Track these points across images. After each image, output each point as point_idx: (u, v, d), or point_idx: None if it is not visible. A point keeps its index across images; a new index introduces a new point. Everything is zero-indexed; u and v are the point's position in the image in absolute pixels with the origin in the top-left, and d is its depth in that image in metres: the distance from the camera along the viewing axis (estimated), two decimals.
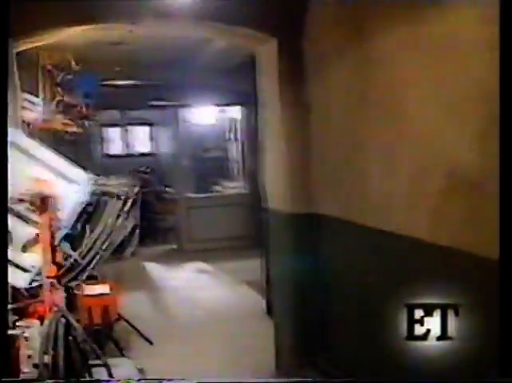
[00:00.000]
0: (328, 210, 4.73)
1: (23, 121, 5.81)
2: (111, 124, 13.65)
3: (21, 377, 2.22)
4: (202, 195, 11.80)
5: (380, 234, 3.78)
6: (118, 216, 2.38)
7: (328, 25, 4.49)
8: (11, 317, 2.53)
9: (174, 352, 6.02)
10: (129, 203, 2.40)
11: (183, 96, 11.17)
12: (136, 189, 2.39)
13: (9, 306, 2.32)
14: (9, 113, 5.31)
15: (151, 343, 6.29)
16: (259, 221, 7.13)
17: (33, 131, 6.05)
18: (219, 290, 8.53)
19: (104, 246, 2.35)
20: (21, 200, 2.22)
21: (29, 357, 2.24)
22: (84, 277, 2.31)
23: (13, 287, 2.57)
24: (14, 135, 2.28)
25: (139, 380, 2.49)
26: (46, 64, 5.82)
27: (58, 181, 2.31)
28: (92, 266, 2.34)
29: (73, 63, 5.83)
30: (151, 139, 14.62)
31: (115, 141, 13.71)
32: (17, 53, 5.90)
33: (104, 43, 7.02)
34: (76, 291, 2.27)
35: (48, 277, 2.23)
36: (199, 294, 8.26)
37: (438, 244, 3.12)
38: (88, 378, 2.38)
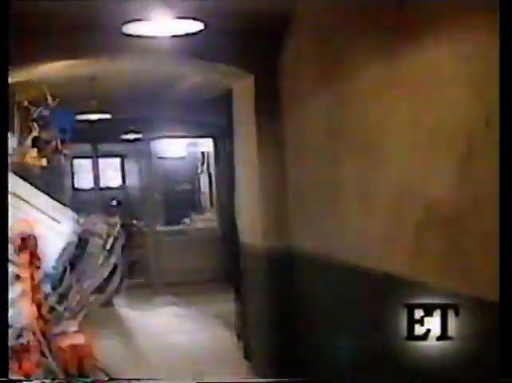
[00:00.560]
0: (303, 244, 4.77)
1: None
2: (82, 156, 13.54)
3: None
4: (172, 228, 11.77)
5: (356, 270, 3.82)
6: (99, 255, 2.36)
7: (304, 62, 4.60)
8: None
9: None
10: (110, 242, 2.40)
11: (155, 129, 11.20)
12: (117, 228, 2.38)
13: None
14: None
15: None
16: (230, 254, 7.11)
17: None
18: (191, 329, 8.39)
19: (84, 285, 2.32)
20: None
21: None
22: (70, 329, 2.26)
23: None
24: None
25: (110, 379, 2.42)
26: (22, 100, 5.80)
27: (40, 219, 2.30)
28: (77, 313, 2.29)
29: (50, 98, 5.82)
30: (122, 172, 14.54)
31: (85, 174, 13.58)
32: None
33: (81, 78, 7.05)
34: (61, 345, 2.21)
35: (33, 333, 2.18)
36: (170, 336, 8.12)
37: (415, 280, 3.16)
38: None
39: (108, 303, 9.70)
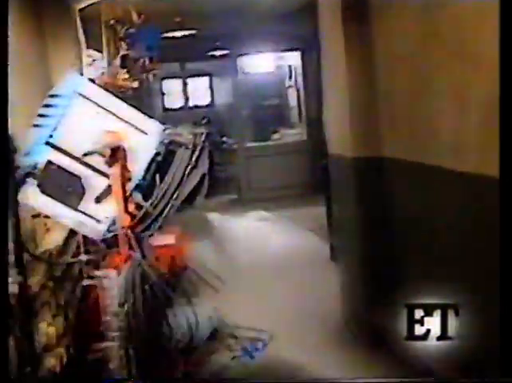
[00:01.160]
0: (393, 152, 4.67)
1: (88, 79, 5.93)
2: (171, 76, 13.72)
3: (102, 326, 2.35)
4: (261, 144, 11.83)
5: (451, 174, 3.72)
6: (187, 165, 2.41)
7: None
8: (88, 268, 2.68)
9: (240, 299, 6.15)
10: (197, 152, 2.43)
11: (242, 45, 11.11)
12: (203, 137, 2.41)
13: (86, 257, 2.45)
14: (74, 71, 5.46)
15: (217, 291, 6.43)
16: (320, 167, 7.11)
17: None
18: (282, 237, 8.59)
19: (174, 196, 2.40)
20: (91, 153, 2.29)
21: (109, 305, 2.34)
22: (156, 227, 2.37)
23: (89, 238, 2.68)
24: (82, 85, 2.33)
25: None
26: (109, 19, 5.88)
27: (128, 131, 2.36)
28: (164, 215, 2.39)
29: (135, 16, 5.86)
30: (211, 90, 14.65)
31: (174, 94, 13.80)
32: (80, 10, 6.00)
33: None
34: (147, 242, 2.33)
35: (122, 227, 2.31)
36: (262, 243, 8.36)
37: None
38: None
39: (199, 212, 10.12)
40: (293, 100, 12.46)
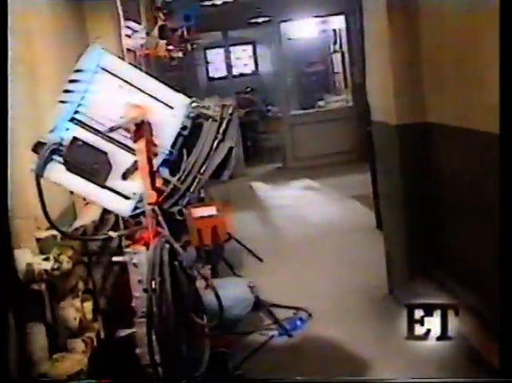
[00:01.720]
0: (438, 118, 4.52)
1: (128, 50, 5.91)
2: (213, 46, 13.63)
3: (133, 302, 2.34)
4: (306, 112, 11.68)
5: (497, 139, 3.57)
6: (214, 139, 2.35)
7: None
8: (112, 244, 2.67)
9: (284, 268, 6.15)
10: (224, 125, 2.36)
11: (283, 11, 10.92)
12: (231, 109, 2.34)
13: (116, 233, 2.43)
14: (113, 41, 5.45)
15: (261, 260, 6.45)
16: (366, 134, 6.96)
17: (138, 59, 6.15)
18: (327, 205, 8.54)
19: (201, 170, 2.34)
20: (116, 128, 2.25)
21: (140, 281, 2.33)
22: (184, 202, 2.33)
23: (118, 215, 2.67)
24: (105, 59, 2.28)
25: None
26: None
27: (153, 106, 2.31)
28: (192, 190, 2.34)
29: None
30: (254, 58, 14.51)
31: (218, 63, 13.72)
32: None
33: None
34: (178, 217, 2.29)
35: (149, 203, 2.28)
36: (307, 211, 8.33)
37: None
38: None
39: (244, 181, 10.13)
40: (338, 65, 12.21)
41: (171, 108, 2.33)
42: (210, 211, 5.21)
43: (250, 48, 14.41)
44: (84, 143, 2.23)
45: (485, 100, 3.80)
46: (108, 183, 2.28)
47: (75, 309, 2.51)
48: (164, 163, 2.35)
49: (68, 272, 2.43)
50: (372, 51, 5.42)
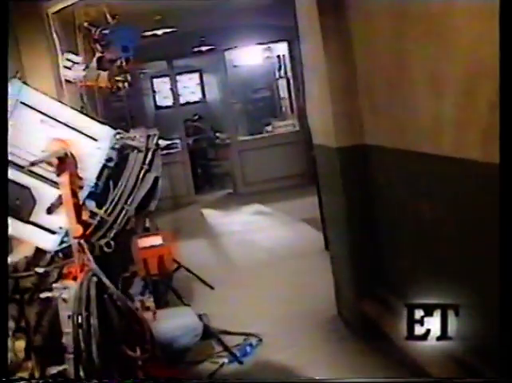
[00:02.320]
0: (375, 140, 4.62)
1: (67, 81, 5.87)
2: (160, 75, 13.68)
3: (63, 338, 2.30)
4: (255, 137, 11.78)
5: (432, 159, 3.67)
6: (140, 169, 2.35)
7: None
8: (47, 280, 2.63)
9: (235, 295, 6.13)
10: (149, 155, 2.38)
11: (227, 39, 11.04)
12: (155, 139, 2.35)
13: (43, 269, 2.40)
14: (50, 74, 5.41)
15: (212, 288, 6.42)
16: (313, 158, 7.05)
17: (78, 90, 6.11)
18: (277, 230, 8.58)
19: (128, 201, 2.34)
20: (37, 162, 2.23)
21: (69, 317, 2.29)
22: (112, 234, 2.32)
23: (44, 250, 2.63)
24: (25, 93, 2.27)
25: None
26: (82, 21, 5.82)
27: (76, 138, 2.30)
28: (119, 222, 2.34)
29: (109, 17, 5.80)
30: (201, 86, 14.60)
31: (165, 92, 13.74)
32: (54, 14, 5.94)
33: None
34: (106, 249, 2.27)
35: (75, 237, 2.26)
36: (258, 236, 8.36)
37: (492, 163, 2.97)
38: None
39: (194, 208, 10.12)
40: (284, 91, 12.39)
41: (96, 140, 2.33)
42: (156, 240, 5.20)
43: (196, 76, 14.49)
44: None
45: (416, 122, 3.92)
46: (32, 219, 2.26)
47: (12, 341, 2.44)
48: (90, 195, 2.33)
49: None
50: (310, 77, 5.52)
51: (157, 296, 5.01)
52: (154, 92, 14.25)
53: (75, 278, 2.31)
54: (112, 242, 2.34)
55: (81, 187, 2.31)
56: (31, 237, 2.35)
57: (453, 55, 3.32)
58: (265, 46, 12.03)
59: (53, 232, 2.31)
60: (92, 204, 2.36)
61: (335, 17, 4.84)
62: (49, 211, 2.27)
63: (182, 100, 13.25)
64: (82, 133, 2.33)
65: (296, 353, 4.70)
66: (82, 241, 2.27)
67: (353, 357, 4.52)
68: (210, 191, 12.22)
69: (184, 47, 10.91)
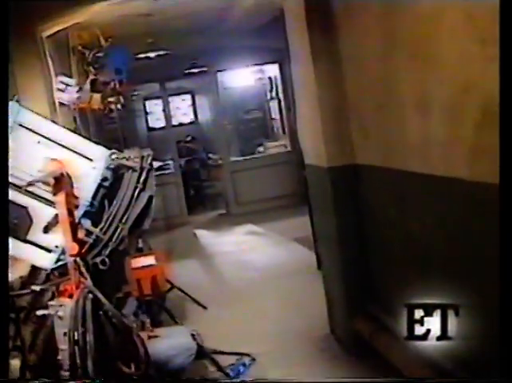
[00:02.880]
0: (365, 159, 4.69)
1: (60, 103, 5.93)
2: (152, 97, 13.78)
3: (59, 355, 2.33)
4: (247, 158, 11.85)
5: (422, 177, 3.73)
6: (135, 188, 2.42)
7: None
8: (42, 299, 2.67)
9: (228, 314, 6.14)
10: (144, 174, 2.44)
11: (218, 61, 11.15)
12: (149, 159, 2.42)
13: (39, 287, 2.43)
14: (43, 96, 5.47)
15: (204, 308, 6.43)
16: (304, 178, 7.11)
17: (71, 112, 6.17)
18: (270, 249, 8.61)
19: (123, 220, 2.40)
20: (34, 182, 2.28)
21: (65, 334, 2.33)
22: (107, 252, 2.37)
23: (41, 268, 2.67)
24: (23, 115, 2.33)
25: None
26: (76, 44, 5.91)
27: (72, 159, 2.36)
28: (114, 240, 2.39)
29: (102, 40, 5.89)
30: (193, 107, 14.70)
31: (158, 113, 13.84)
32: (48, 37, 6.02)
33: (132, 16, 7.06)
34: (101, 266, 2.32)
35: (71, 255, 2.30)
36: (251, 256, 8.38)
37: (481, 182, 3.03)
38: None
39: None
40: (275, 112, 12.50)
41: (91, 160, 2.39)
42: (149, 260, 5.23)
43: (188, 97, 14.61)
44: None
45: (405, 141, 3.98)
46: (29, 238, 2.30)
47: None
48: (86, 214, 2.38)
49: None
50: (301, 98, 5.60)
51: (151, 316, 5.02)
52: (146, 113, 14.35)
53: (71, 296, 2.35)
54: (107, 260, 2.38)
55: (77, 206, 2.36)
56: (28, 255, 2.39)
57: (439, 76, 3.40)
58: (256, 68, 12.16)
59: (49, 250, 2.36)
60: (87, 223, 2.41)
61: (325, 39, 4.92)
62: (46, 229, 2.32)
63: (174, 122, 13.35)
64: (78, 154, 2.39)
65: (289, 371, 4.71)
66: (78, 259, 2.31)
67: (346, 374, 4.55)
68: (202, 211, 12.26)
69: (176, 69, 11.03)
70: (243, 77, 12.44)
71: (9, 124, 2.29)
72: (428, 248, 3.79)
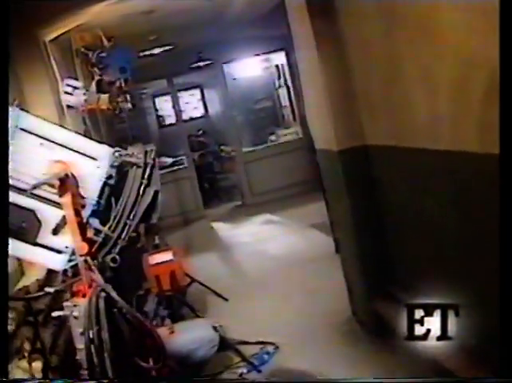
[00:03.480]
0: (375, 139, 4.66)
1: (68, 106, 5.96)
2: (161, 93, 13.80)
3: (77, 355, 2.35)
4: (259, 147, 11.83)
5: (432, 153, 3.71)
6: (140, 184, 2.43)
7: None
8: (60, 300, 2.69)
9: (250, 304, 6.16)
10: (148, 170, 2.45)
11: (225, 53, 11.12)
12: (153, 154, 2.43)
13: (53, 289, 2.46)
14: (50, 100, 5.50)
15: (226, 300, 6.45)
16: (317, 163, 7.09)
17: (80, 114, 6.20)
18: (287, 237, 8.61)
19: (131, 216, 2.41)
20: (39, 185, 2.30)
21: (82, 334, 2.34)
22: (117, 250, 2.39)
23: (53, 270, 2.70)
24: (23, 119, 2.34)
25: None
26: (79, 46, 5.93)
27: (76, 159, 2.37)
28: (123, 237, 2.41)
29: (104, 40, 5.90)
30: (203, 101, 14.69)
31: (168, 110, 13.85)
32: (51, 41, 6.04)
33: (134, 14, 7.06)
34: (112, 264, 2.35)
35: (81, 255, 2.32)
36: (269, 245, 8.39)
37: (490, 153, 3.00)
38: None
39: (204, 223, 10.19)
40: (284, 99, 12.46)
41: (95, 159, 2.40)
42: (166, 256, 5.25)
43: (197, 91, 14.60)
44: (10, 203, 2.27)
45: (414, 119, 3.96)
46: (39, 240, 2.32)
47: (22, 371, 2.50)
48: (93, 213, 2.40)
49: (12, 334, 2.43)
50: (307, 83, 5.57)
51: (172, 311, 5.05)
52: (156, 110, 14.37)
53: (84, 295, 2.36)
54: (118, 257, 2.40)
55: (84, 206, 2.37)
56: (39, 258, 2.41)
57: (443, 50, 3.36)
58: (263, 57, 12.11)
59: (59, 252, 2.37)
60: (95, 222, 2.42)
61: (326, 22, 4.89)
62: (55, 231, 2.33)
63: (185, 117, 13.35)
64: (81, 154, 2.40)
65: (314, 357, 4.72)
66: (88, 258, 2.33)
67: (371, 357, 4.53)
68: (218, 204, 12.28)
69: (182, 64, 11.01)
70: (250, 67, 12.39)
71: (11, 129, 2.31)
72: (442, 223, 3.77)
